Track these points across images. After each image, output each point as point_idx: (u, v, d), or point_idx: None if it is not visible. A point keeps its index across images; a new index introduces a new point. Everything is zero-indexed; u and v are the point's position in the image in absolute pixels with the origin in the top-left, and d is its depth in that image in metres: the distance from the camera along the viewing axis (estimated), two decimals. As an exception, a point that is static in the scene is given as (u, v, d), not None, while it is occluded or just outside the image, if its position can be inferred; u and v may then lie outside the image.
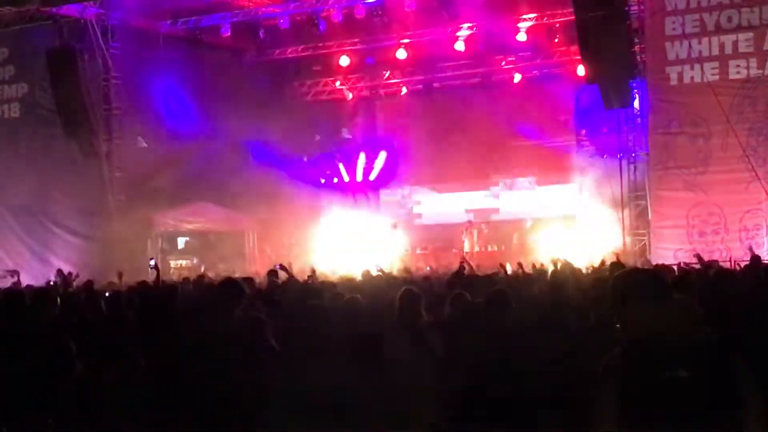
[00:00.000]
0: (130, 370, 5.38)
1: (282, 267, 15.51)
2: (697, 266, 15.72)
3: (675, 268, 16.94)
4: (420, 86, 31.86)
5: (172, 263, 28.50)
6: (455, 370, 5.47)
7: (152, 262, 19.79)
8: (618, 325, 3.46)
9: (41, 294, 9.31)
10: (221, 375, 5.58)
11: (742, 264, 16.96)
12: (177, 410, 5.28)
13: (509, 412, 4.84)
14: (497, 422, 5.25)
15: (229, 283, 7.55)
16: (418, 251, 30.05)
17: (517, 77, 29.98)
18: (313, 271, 17.61)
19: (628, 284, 3.47)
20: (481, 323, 6.26)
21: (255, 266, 29.75)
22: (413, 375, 5.86)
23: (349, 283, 12.77)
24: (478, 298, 7.85)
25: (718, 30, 22.27)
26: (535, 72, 29.93)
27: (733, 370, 3.56)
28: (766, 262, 17.63)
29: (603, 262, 17.82)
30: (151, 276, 17.34)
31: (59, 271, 22.21)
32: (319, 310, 6.44)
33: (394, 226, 30.05)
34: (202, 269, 27.05)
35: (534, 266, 19.24)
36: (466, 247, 28.97)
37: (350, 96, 32.52)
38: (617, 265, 12.33)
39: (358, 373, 5.77)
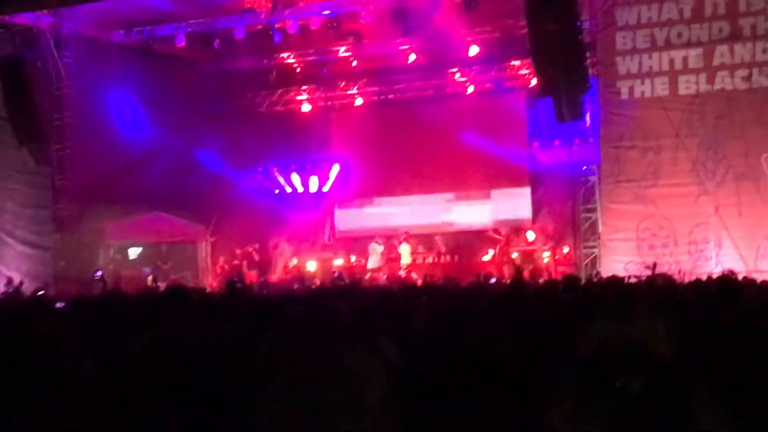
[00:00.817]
0: (83, 385, 5.38)
1: (238, 278, 15.59)
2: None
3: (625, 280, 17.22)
4: (374, 98, 32.00)
5: (124, 274, 28.31)
6: (412, 383, 5.53)
7: (98, 274, 19.78)
8: (575, 340, 3.53)
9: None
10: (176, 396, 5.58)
11: (691, 277, 17.18)
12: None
13: (466, 426, 4.89)
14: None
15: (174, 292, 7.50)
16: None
17: (471, 89, 30.14)
18: (268, 283, 17.68)
19: (590, 298, 3.53)
20: (440, 335, 6.31)
21: (208, 277, 29.75)
22: (370, 388, 5.90)
23: (306, 294, 12.78)
24: (433, 309, 7.90)
25: (669, 45, 22.60)
26: (488, 84, 30.12)
27: (688, 387, 3.64)
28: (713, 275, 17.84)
29: (550, 274, 18.01)
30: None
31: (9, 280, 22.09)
32: (276, 325, 6.45)
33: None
34: (149, 280, 26.94)
35: (484, 277, 19.40)
36: (405, 260, 28.98)
37: (304, 107, 32.53)
38: (570, 278, 12.45)
39: (316, 389, 5.80)
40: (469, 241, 30.28)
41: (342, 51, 29.59)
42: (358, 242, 31.00)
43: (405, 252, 29.22)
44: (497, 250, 28.66)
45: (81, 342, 6.76)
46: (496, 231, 29.05)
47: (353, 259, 30.63)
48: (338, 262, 30.19)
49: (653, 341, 4.02)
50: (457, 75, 30.23)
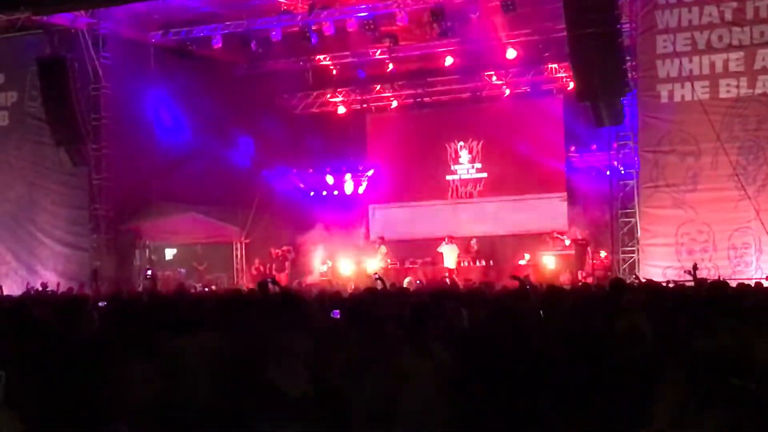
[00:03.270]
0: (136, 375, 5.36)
1: (273, 281, 15.48)
2: (690, 283, 15.74)
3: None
4: (410, 100, 31.91)
5: (160, 274, 28.32)
6: (466, 383, 5.46)
7: (148, 273, 19.81)
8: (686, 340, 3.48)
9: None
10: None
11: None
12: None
13: (528, 427, 4.82)
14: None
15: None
16: (407, 265, 29.93)
17: (507, 92, 29.99)
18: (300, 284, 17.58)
19: (709, 303, 3.44)
20: (496, 337, 6.25)
21: (242, 278, 29.74)
22: (420, 387, 5.85)
23: (349, 296, 12.70)
24: (471, 311, 7.84)
25: (709, 49, 22.38)
26: (525, 88, 29.98)
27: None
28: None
29: (582, 279, 17.88)
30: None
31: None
32: (331, 322, 6.41)
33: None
34: (183, 280, 26.79)
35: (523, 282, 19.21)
36: (450, 263, 28.83)
37: (340, 109, 32.50)
38: (618, 281, 12.30)
39: (366, 385, 5.76)
40: (505, 244, 30.11)
41: (378, 53, 29.51)
42: (394, 245, 30.85)
43: (379, 257, 29.17)
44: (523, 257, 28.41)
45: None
46: (561, 233, 28.68)
47: (388, 261, 30.51)
48: (373, 264, 30.05)
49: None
50: (494, 78, 30.10)
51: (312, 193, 32.90)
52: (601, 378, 4.90)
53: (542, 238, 29.10)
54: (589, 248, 27.25)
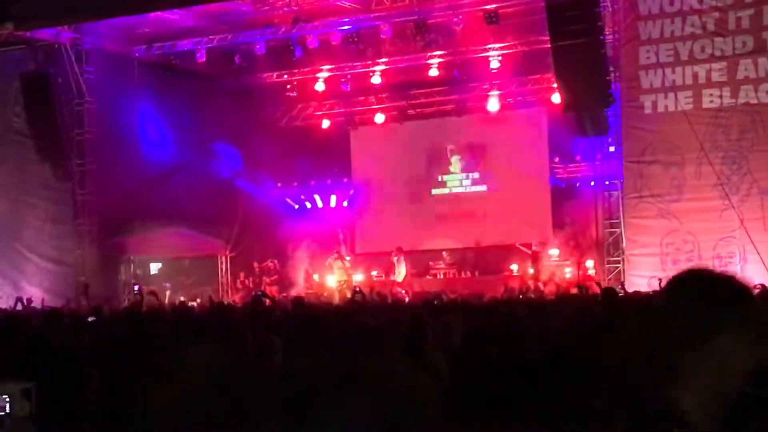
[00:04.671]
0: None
1: (263, 293, 15.56)
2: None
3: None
4: (394, 113, 31.90)
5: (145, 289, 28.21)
6: (463, 397, 5.45)
7: (136, 288, 19.76)
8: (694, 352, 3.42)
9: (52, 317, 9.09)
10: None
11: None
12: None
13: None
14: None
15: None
16: (391, 277, 29.93)
17: (492, 104, 30.02)
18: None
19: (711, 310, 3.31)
20: (494, 350, 6.24)
21: (228, 292, 29.70)
22: (417, 400, 5.83)
23: (338, 308, 12.72)
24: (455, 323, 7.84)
25: (692, 59, 22.51)
26: (509, 99, 30.06)
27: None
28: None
29: (567, 290, 17.96)
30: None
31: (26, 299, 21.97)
32: (325, 335, 6.41)
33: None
34: (167, 298, 26.70)
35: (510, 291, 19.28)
36: (398, 276, 28.93)
37: (324, 122, 32.50)
38: (609, 291, 12.36)
39: (363, 400, 5.74)
40: (487, 256, 30.10)
41: (362, 66, 29.49)
42: (378, 258, 30.88)
43: (336, 270, 29.27)
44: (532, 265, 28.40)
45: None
46: (526, 246, 28.77)
47: (374, 274, 30.58)
48: (358, 278, 30.05)
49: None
50: (478, 90, 30.15)
51: (296, 206, 32.88)
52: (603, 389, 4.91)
53: (518, 250, 29.14)
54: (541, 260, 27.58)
